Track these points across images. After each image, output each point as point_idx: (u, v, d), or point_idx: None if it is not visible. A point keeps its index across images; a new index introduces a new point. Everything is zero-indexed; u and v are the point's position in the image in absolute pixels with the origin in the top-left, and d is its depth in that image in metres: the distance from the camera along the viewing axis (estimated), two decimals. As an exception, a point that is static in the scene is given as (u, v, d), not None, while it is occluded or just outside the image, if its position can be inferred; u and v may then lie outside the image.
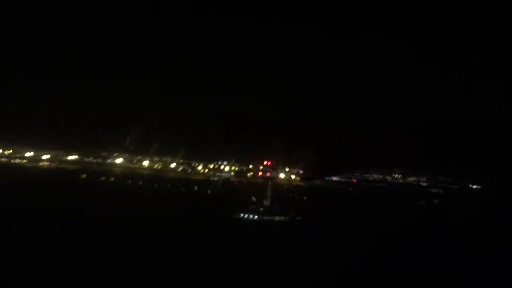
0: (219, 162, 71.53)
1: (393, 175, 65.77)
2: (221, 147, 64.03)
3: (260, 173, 63.89)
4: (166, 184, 57.93)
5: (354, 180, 65.92)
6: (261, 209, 34.99)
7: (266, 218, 33.35)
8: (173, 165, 72.32)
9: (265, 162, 66.61)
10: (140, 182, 57.51)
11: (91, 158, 67.55)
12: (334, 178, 68.51)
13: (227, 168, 71.01)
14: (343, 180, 66.76)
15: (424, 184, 62.89)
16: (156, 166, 75.67)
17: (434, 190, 58.46)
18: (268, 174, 61.66)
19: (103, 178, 57.67)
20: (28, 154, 65.98)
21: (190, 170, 73.20)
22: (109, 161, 70.51)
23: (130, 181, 57.66)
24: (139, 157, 72.99)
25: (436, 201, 53.04)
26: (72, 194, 39.78)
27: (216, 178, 65.62)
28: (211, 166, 75.35)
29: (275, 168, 64.53)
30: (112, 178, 58.28)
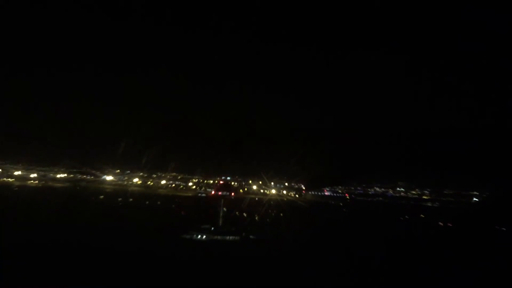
0: (222, 177, 70.76)
1: (397, 188, 64.46)
2: (220, 162, 63.19)
3: (213, 192, 62.49)
4: (156, 201, 56.60)
5: (347, 195, 64.61)
6: (212, 228, 34.06)
7: (217, 238, 32.37)
8: (163, 182, 71.90)
9: (219, 181, 65.19)
10: (130, 199, 56.14)
11: (81, 176, 67.16)
12: (326, 193, 67.34)
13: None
14: (335, 194, 65.49)
15: (426, 197, 61.34)
16: (148, 182, 75.05)
17: (429, 204, 56.88)
18: (220, 193, 60.36)
19: (92, 196, 56.48)
20: (16, 173, 65.86)
21: (182, 186, 72.49)
22: (100, 178, 70.11)
23: (120, 199, 56.28)
24: (135, 173, 72.62)
25: (422, 216, 51.24)
26: (53, 213, 38.62)
27: (204, 195, 64.50)
28: (206, 181, 74.67)
29: (229, 187, 63.18)
30: (101, 196, 57.12)
